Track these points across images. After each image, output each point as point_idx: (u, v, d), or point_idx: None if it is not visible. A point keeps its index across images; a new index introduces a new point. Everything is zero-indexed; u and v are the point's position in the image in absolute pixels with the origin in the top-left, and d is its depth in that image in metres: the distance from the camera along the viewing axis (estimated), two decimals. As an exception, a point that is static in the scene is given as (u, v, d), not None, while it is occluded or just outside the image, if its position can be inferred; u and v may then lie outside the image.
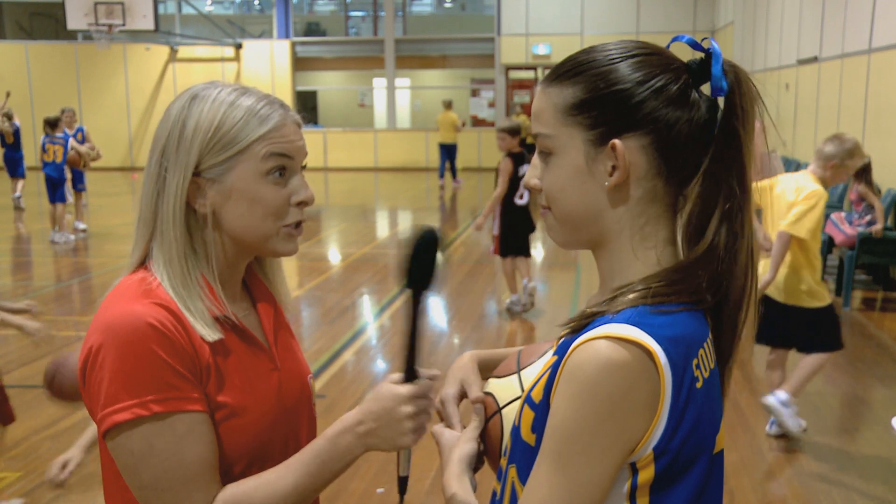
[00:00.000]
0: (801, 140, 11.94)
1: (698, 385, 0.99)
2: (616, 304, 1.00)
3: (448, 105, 17.85)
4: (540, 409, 1.02)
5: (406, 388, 1.22)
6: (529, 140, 10.68)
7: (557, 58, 19.23)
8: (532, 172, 1.10)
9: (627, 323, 0.96)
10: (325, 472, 1.23)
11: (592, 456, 0.95)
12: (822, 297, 4.29)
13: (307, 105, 24.24)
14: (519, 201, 6.92)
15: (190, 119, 1.22)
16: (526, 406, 1.06)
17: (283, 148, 1.25)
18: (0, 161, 14.11)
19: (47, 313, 6.62)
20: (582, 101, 1.03)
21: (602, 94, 1.02)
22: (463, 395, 1.29)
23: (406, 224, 13.28)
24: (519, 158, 6.92)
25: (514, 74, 21.60)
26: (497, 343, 6.32)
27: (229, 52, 21.46)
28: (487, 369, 1.34)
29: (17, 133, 13.11)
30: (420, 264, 1.21)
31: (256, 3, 27.56)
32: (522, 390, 1.23)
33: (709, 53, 1.05)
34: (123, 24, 15.67)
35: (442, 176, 17.48)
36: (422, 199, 15.91)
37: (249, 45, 21.72)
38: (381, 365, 5.98)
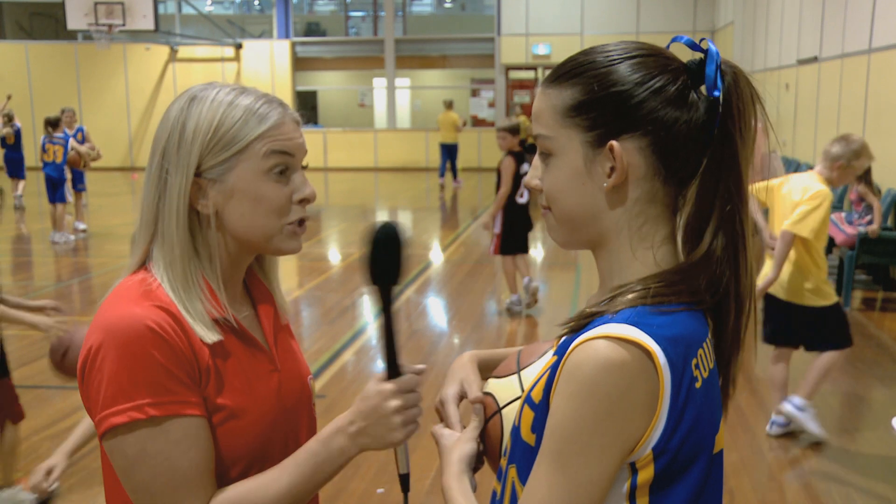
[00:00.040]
0: (802, 140, 11.94)
1: (697, 385, 0.99)
2: (615, 304, 1.01)
3: (449, 105, 17.86)
4: (540, 409, 1.03)
5: (390, 384, 1.23)
6: (530, 140, 10.69)
7: (557, 58, 19.26)
8: (533, 173, 1.10)
9: (626, 323, 0.97)
10: (319, 473, 1.23)
11: (591, 455, 0.95)
12: (828, 295, 4.30)
13: (307, 105, 24.24)
14: (520, 200, 6.94)
15: (189, 120, 1.23)
16: (526, 406, 1.06)
17: (283, 145, 1.25)
18: (0, 161, 14.13)
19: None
20: (580, 102, 1.04)
21: (600, 95, 1.03)
22: (463, 395, 1.30)
23: (406, 224, 13.28)
24: (520, 157, 6.93)
25: (514, 74, 21.60)
26: (497, 343, 6.32)
27: (229, 52, 21.46)
28: (487, 369, 1.34)
29: (17, 134, 13.14)
30: (382, 260, 1.21)
31: (256, 3, 27.56)
32: (522, 390, 1.23)
33: (706, 53, 1.05)
34: (123, 24, 15.67)
35: (442, 175, 17.48)
36: (422, 199, 15.91)
37: (249, 45, 21.72)
38: (380, 365, 5.97)
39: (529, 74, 21.54)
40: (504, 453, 1.15)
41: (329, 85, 25.26)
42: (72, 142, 10.88)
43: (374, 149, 21.30)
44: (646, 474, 0.98)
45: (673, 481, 0.99)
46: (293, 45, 21.90)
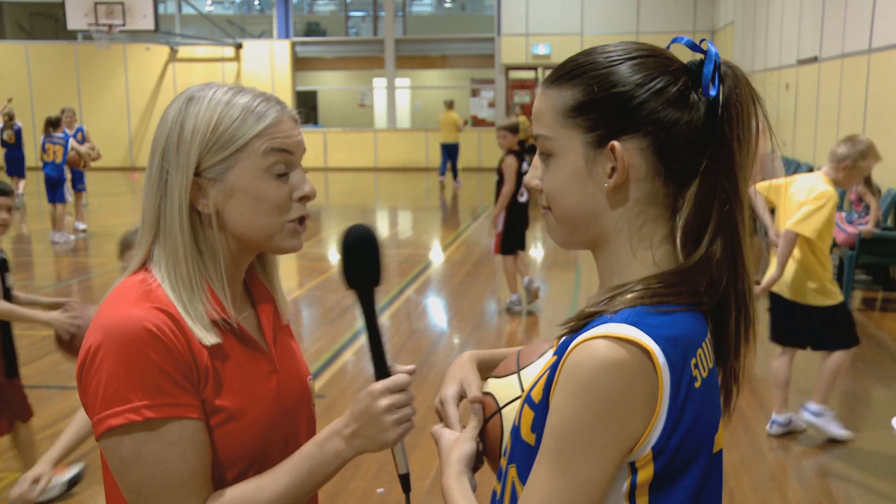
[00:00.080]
0: (801, 140, 11.94)
1: (697, 385, 0.99)
2: (614, 304, 1.01)
3: (450, 105, 17.85)
4: (539, 408, 1.03)
5: (378, 384, 1.24)
6: (530, 141, 10.69)
7: (557, 58, 19.26)
8: (533, 173, 1.10)
9: (626, 323, 0.97)
10: (315, 476, 1.24)
11: (591, 455, 0.95)
12: (833, 295, 4.31)
13: (307, 105, 24.23)
14: (521, 199, 6.95)
15: (188, 120, 1.23)
16: (526, 406, 1.07)
17: (282, 143, 1.25)
18: (1, 160, 14.16)
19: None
20: (581, 103, 1.04)
21: (601, 96, 1.03)
22: (462, 395, 1.30)
23: (406, 224, 13.28)
24: (521, 156, 6.95)
25: (514, 74, 21.60)
26: (497, 343, 6.32)
27: (229, 52, 21.46)
28: (486, 369, 1.34)
29: (18, 133, 13.19)
30: (357, 263, 1.23)
31: (256, 3, 27.56)
32: (522, 390, 1.24)
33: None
34: (123, 24, 15.67)
35: (443, 173, 17.48)
36: (422, 199, 15.91)
37: (249, 45, 21.72)
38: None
39: (529, 74, 21.54)
40: (504, 453, 1.15)
41: (329, 85, 25.26)
42: (72, 142, 10.88)
43: (374, 149, 21.30)
44: (645, 474, 0.98)
45: (672, 481, 0.99)
46: (293, 45, 21.90)
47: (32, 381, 5.13)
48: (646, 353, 0.95)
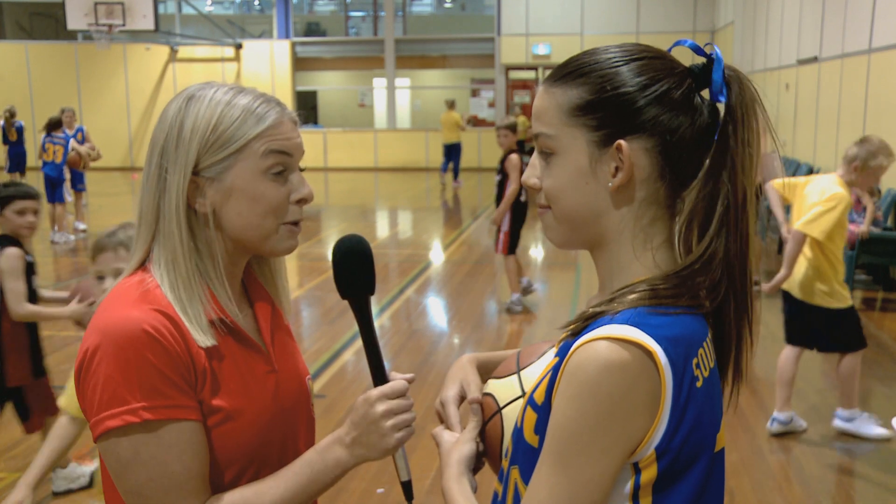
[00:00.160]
0: (801, 140, 11.94)
1: (698, 384, 1.00)
2: (616, 305, 1.01)
3: (451, 105, 17.84)
4: (542, 410, 1.03)
5: (376, 390, 1.25)
6: (529, 144, 10.69)
7: (557, 58, 19.26)
8: (531, 172, 1.10)
9: (627, 324, 0.97)
10: (315, 483, 1.24)
11: (593, 456, 0.95)
12: (842, 298, 4.32)
13: (307, 105, 24.23)
14: (522, 198, 6.96)
15: (187, 119, 1.22)
16: (528, 408, 1.07)
17: (281, 145, 1.25)
18: (2, 160, 14.21)
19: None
20: (587, 102, 1.04)
21: (608, 95, 1.03)
22: (463, 396, 1.30)
23: (406, 224, 13.28)
24: (521, 154, 6.98)
25: (515, 74, 21.60)
26: (497, 343, 6.32)
27: (229, 52, 21.46)
28: (486, 372, 1.34)
29: (20, 131, 13.28)
30: (350, 273, 1.25)
31: (256, 3, 27.56)
32: (522, 390, 1.24)
33: (711, 59, 1.05)
34: (123, 24, 15.66)
35: (445, 170, 17.47)
36: (422, 199, 15.91)
37: (249, 45, 21.71)
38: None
39: (529, 74, 21.54)
40: (505, 454, 1.15)
41: (329, 85, 25.26)
42: (72, 142, 10.89)
43: (374, 149, 21.30)
44: (649, 474, 0.98)
45: (675, 480, 0.99)
46: (293, 45, 21.90)
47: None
48: (648, 353, 0.95)
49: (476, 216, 13.14)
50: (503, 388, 1.26)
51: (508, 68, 21.38)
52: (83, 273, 9.16)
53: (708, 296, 1.04)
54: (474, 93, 22.73)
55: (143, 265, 1.27)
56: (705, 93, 1.07)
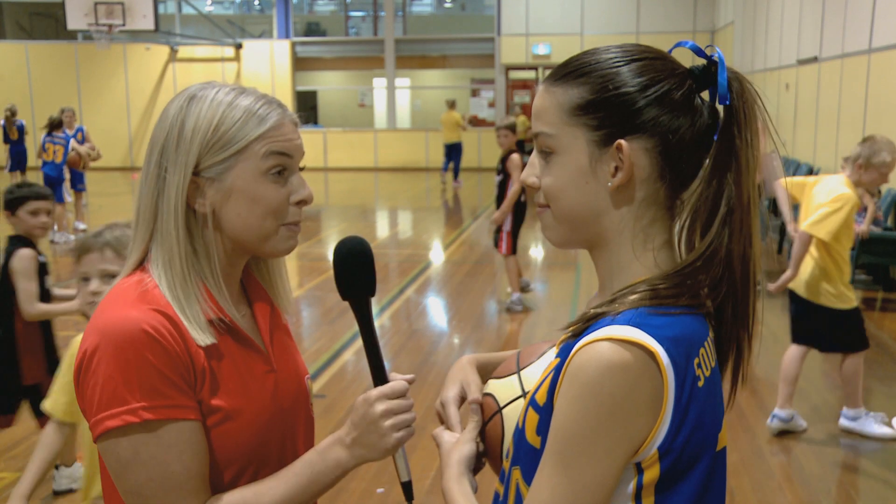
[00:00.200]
0: (801, 140, 11.94)
1: (700, 384, 1.00)
2: (617, 305, 1.01)
3: (451, 104, 17.84)
4: (544, 411, 1.03)
5: (375, 390, 1.25)
6: (528, 145, 10.69)
7: (557, 58, 19.25)
8: (530, 171, 1.10)
9: (628, 324, 0.97)
10: (315, 484, 1.24)
11: (595, 457, 0.95)
12: (847, 300, 4.32)
13: (307, 105, 24.23)
14: (521, 198, 6.97)
15: (189, 119, 1.22)
16: (530, 409, 1.07)
17: (282, 146, 1.25)
18: (4, 158, 14.25)
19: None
20: (588, 101, 1.04)
21: (609, 95, 1.03)
22: (463, 397, 1.30)
23: (406, 224, 13.28)
24: (521, 154, 7.00)
25: (515, 74, 21.60)
26: (497, 343, 6.32)
27: (229, 52, 21.45)
28: (486, 372, 1.34)
29: (21, 129, 13.33)
30: (351, 275, 1.26)
31: (256, 3, 27.55)
32: (522, 390, 1.24)
33: (713, 60, 1.06)
34: (123, 24, 15.66)
35: (445, 170, 17.46)
36: (422, 199, 15.91)
37: (249, 45, 21.71)
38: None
39: (530, 74, 21.54)
40: (506, 455, 1.15)
41: (329, 85, 25.25)
42: (72, 142, 10.89)
43: (374, 149, 21.30)
44: (651, 474, 0.98)
45: (678, 480, 0.99)
46: (293, 45, 21.89)
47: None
48: (650, 354, 0.95)
49: (476, 216, 13.14)
50: (503, 388, 1.26)
51: (508, 68, 21.38)
52: (83, 273, 9.16)
53: (709, 295, 1.04)
54: (474, 93, 22.73)
55: (141, 265, 1.27)
56: (704, 94, 1.08)
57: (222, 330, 1.25)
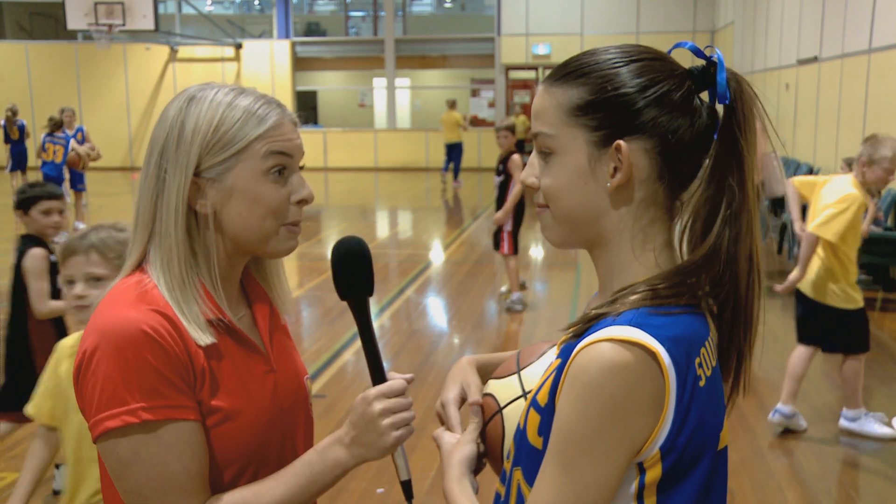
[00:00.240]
0: (801, 140, 11.94)
1: (701, 384, 1.00)
2: (617, 306, 1.01)
3: (452, 104, 17.84)
4: (546, 412, 1.03)
5: (373, 389, 1.25)
6: (528, 146, 10.71)
7: (557, 58, 19.25)
8: (529, 171, 1.10)
9: (629, 325, 0.97)
10: (315, 484, 1.24)
11: (597, 457, 0.95)
12: (853, 300, 4.32)
13: (307, 105, 24.22)
14: (522, 198, 6.99)
15: (188, 120, 1.22)
16: (532, 409, 1.07)
17: (282, 146, 1.25)
18: (3, 159, 14.27)
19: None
20: (588, 102, 1.04)
21: (608, 96, 1.03)
22: (463, 397, 1.30)
23: (406, 224, 13.28)
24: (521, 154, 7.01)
25: (515, 74, 21.60)
26: (497, 343, 6.32)
27: (229, 52, 21.45)
28: (486, 373, 1.34)
29: (21, 129, 13.34)
30: (349, 275, 1.27)
31: (256, 3, 27.56)
32: (523, 390, 1.24)
33: (712, 61, 1.06)
34: (123, 24, 15.66)
35: (446, 170, 17.46)
36: (422, 199, 15.91)
37: (249, 45, 21.71)
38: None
39: (529, 74, 21.53)
40: (507, 456, 1.15)
41: (329, 85, 25.25)
42: (72, 142, 10.89)
43: (374, 149, 21.30)
44: (653, 474, 0.98)
45: (680, 480, 0.99)
46: (293, 45, 21.89)
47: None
48: (651, 354, 0.95)
49: (476, 216, 13.14)
50: (503, 389, 1.26)
51: (508, 68, 21.38)
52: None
53: (710, 294, 1.04)
54: (474, 93, 22.73)
55: (140, 266, 1.27)
56: (704, 94, 1.08)
57: (222, 330, 1.25)
